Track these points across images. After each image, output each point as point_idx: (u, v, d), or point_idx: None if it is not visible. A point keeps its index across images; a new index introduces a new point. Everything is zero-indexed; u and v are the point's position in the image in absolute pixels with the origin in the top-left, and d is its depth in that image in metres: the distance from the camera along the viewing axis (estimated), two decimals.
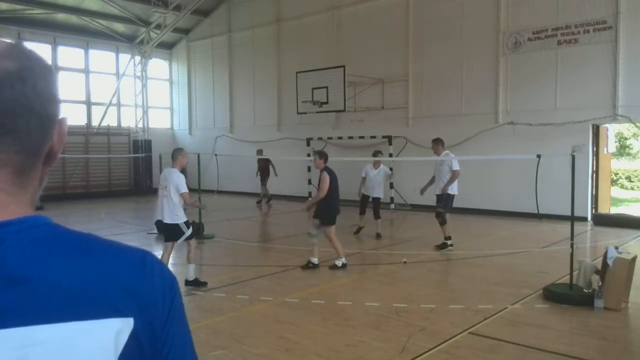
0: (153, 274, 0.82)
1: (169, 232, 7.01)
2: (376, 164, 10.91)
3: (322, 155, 8.08)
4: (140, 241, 10.45)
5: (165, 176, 6.97)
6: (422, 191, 9.88)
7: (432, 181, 9.78)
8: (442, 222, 9.42)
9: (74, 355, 0.71)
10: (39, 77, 0.78)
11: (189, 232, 6.96)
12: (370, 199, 10.91)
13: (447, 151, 9.72)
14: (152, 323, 0.79)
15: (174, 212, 6.85)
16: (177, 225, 6.88)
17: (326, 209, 7.84)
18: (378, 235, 10.64)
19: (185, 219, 6.97)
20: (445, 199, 9.39)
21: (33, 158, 0.80)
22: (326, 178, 7.78)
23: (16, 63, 0.76)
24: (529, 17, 13.44)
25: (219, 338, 5.06)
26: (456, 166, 9.33)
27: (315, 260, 7.90)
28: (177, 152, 7.14)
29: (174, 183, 6.79)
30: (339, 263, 7.88)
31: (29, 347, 0.69)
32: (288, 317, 5.68)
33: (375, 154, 11.03)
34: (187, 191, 6.89)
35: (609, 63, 12.29)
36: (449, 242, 9.39)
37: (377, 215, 10.82)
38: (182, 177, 6.88)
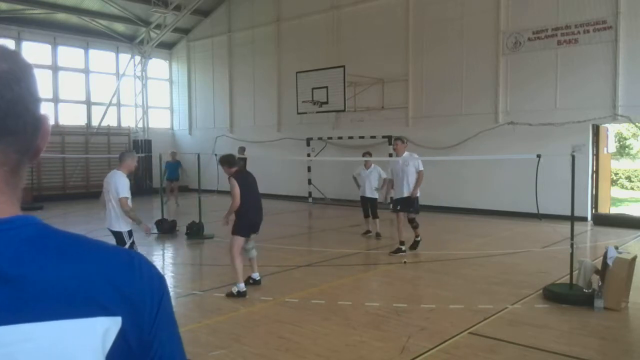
0: (142, 274, 0.83)
1: (116, 241, 6.15)
2: (367, 164, 10.91)
3: (226, 161, 6.82)
4: (139, 241, 10.38)
5: (108, 179, 6.20)
6: (387, 196, 9.70)
7: (391, 183, 9.42)
8: (417, 226, 9.22)
9: (62, 352, 0.72)
10: (29, 77, 0.80)
11: (128, 243, 6.16)
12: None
13: (408, 152, 9.31)
14: (140, 322, 0.80)
15: (115, 219, 6.12)
16: (120, 233, 6.14)
17: (236, 219, 6.64)
18: (378, 235, 10.65)
19: (128, 229, 6.20)
20: (416, 202, 9.14)
21: (25, 157, 0.81)
22: (234, 184, 6.55)
23: (9, 65, 0.77)
24: (529, 17, 13.44)
25: (219, 338, 5.06)
26: (422, 166, 9.10)
27: (256, 275, 6.95)
28: (126, 154, 6.42)
29: (114, 187, 6.05)
30: (234, 290, 6.44)
31: (17, 345, 0.70)
32: (288, 317, 5.68)
33: (364, 155, 11.04)
34: (128, 196, 6.07)
35: (609, 63, 12.29)
36: (418, 239, 9.26)
37: (374, 215, 10.82)
38: (124, 180, 6.14)
